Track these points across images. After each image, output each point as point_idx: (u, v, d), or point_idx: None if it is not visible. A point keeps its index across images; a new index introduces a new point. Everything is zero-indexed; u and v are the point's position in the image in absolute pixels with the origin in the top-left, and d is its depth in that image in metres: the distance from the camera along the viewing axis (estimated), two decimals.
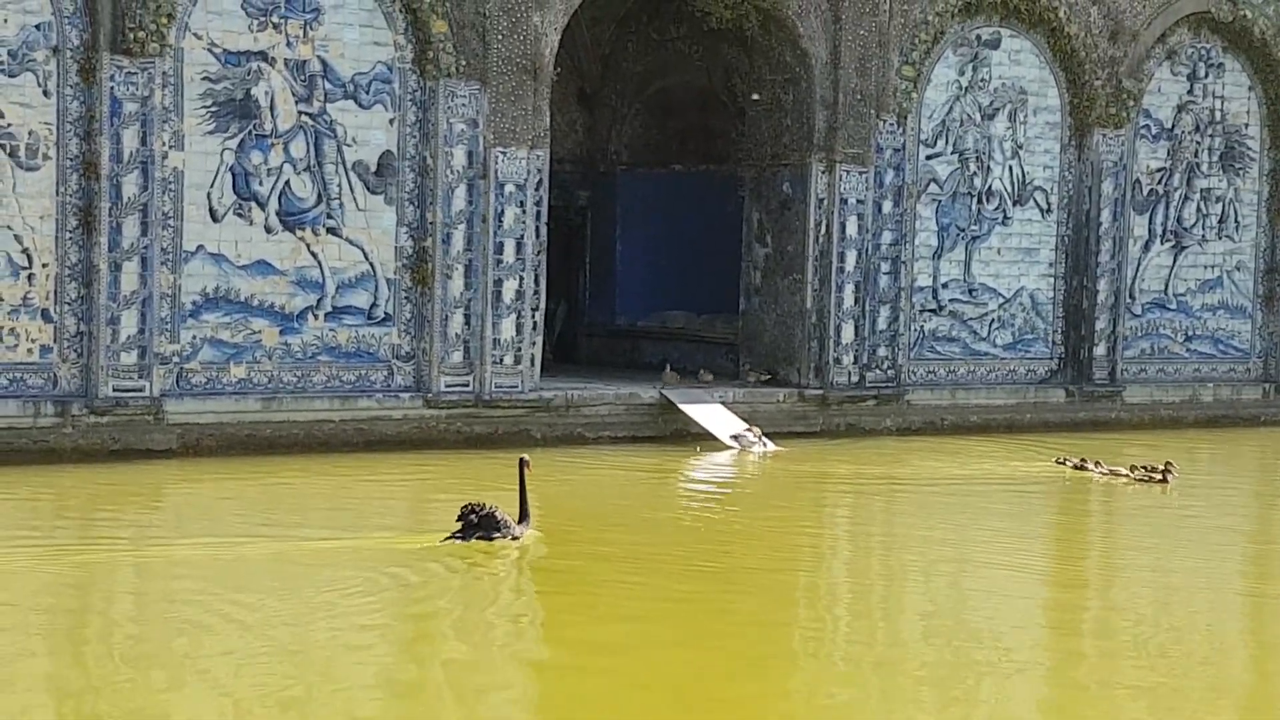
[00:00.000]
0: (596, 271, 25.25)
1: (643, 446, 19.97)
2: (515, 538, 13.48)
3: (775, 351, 22.06)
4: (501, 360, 19.59)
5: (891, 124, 21.76)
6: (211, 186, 18.21)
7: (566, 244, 24.51)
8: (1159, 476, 18.00)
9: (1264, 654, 11.63)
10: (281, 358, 18.69)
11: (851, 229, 21.62)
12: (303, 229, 18.81)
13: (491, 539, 13.37)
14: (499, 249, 19.57)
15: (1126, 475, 18.20)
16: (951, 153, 22.48)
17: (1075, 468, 18.76)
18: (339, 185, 18.94)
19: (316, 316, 18.91)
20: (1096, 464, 18.71)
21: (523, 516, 13.75)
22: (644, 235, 24.84)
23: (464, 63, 19.29)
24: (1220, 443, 22.28)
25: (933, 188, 22.40)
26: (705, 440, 20.05)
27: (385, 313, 19.22)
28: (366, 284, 19.14)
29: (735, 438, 19.99)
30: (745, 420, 20.44)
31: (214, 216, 18.23)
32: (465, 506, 13.53)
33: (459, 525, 13.43)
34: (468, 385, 19.51)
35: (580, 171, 24.97)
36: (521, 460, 14.03)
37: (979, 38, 22.45)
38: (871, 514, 17.16)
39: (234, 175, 18.32)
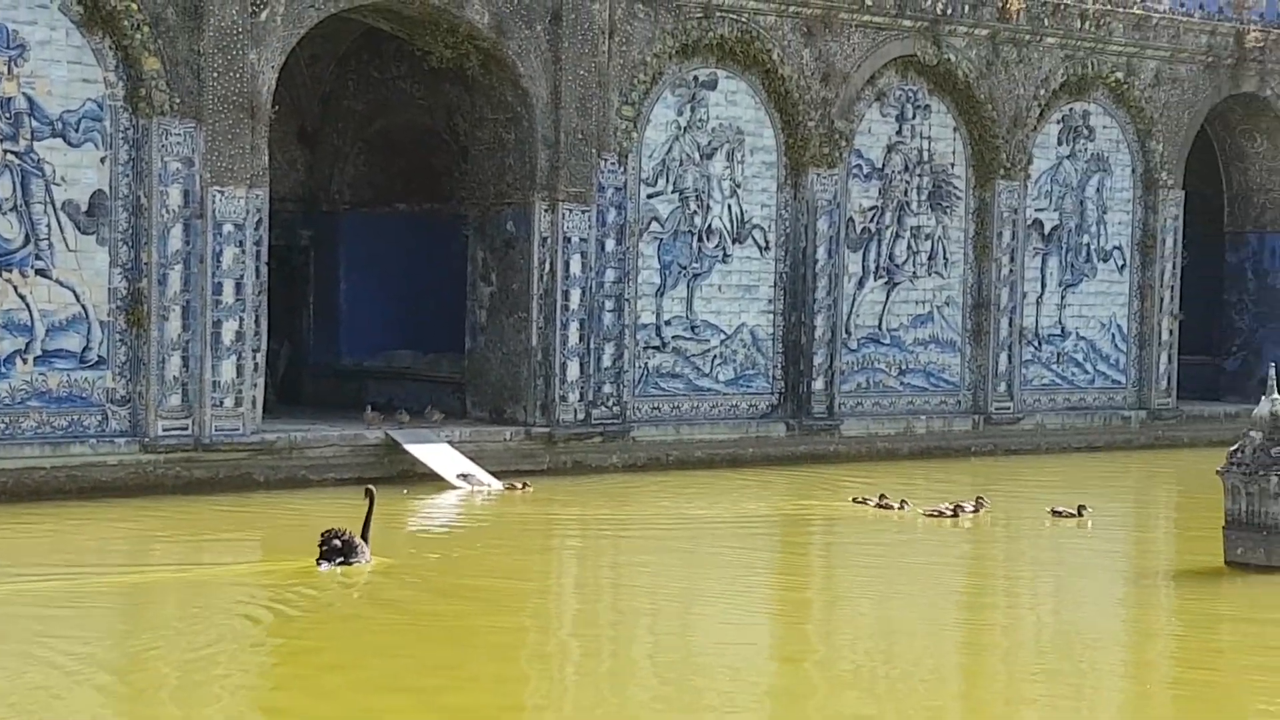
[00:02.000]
0: (321, 311, 24.98)
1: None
2: (367, 561, 14.45)
3: (501, 390, 22.08)
4: (222, 403, 19.21)
5: (613, 163, 22.02)
6: None
7: (289, 284, 24.20)
8: (971, 509, 18.44)
9: (975, 683, 12.03)
10: None
11: (575, 267, 21.79)
12: (9, 271, 18.21)
13: (351, 563, 14.32)
14: (218, 289, 19.22)
15: (943, 512, 18.49)
16: (672, 191, 22.83)
17: (878, 506, 18.93)
18: (48, 225, 18.39)
19: (25, 360, 18.31)
20: (902, 503, 18.87)
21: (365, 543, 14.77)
22: (369, 274, 24.67)
23: (178, 100, 18.94)
24: (935, 473, 22.94)
25: (654, 226, 22.71)
26: (434, 480, 19.94)
27: (99, 356, 18.71)
28: (78, 326, 18.60)
29: (463, 476, 19.93)
30: (472, 459, 20.41)
31: None
32: (327, 532, 14.48)
33: (321, 551, 14.33)
34: (186, 429, 19.08)
35: (302, 210, 24.70)
36: (369, 489, 15.26)
37: (696, 79, 22.87)
38: (617, 556, 17.25)
39: None
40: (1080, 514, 18.50)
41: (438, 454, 20.41)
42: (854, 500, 19.45)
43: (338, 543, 14.39)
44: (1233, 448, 15.52)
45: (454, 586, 14.30)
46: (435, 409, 21.84)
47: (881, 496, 19.23)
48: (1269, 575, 15.00)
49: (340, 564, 14.31)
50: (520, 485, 20.09)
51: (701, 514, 18.66)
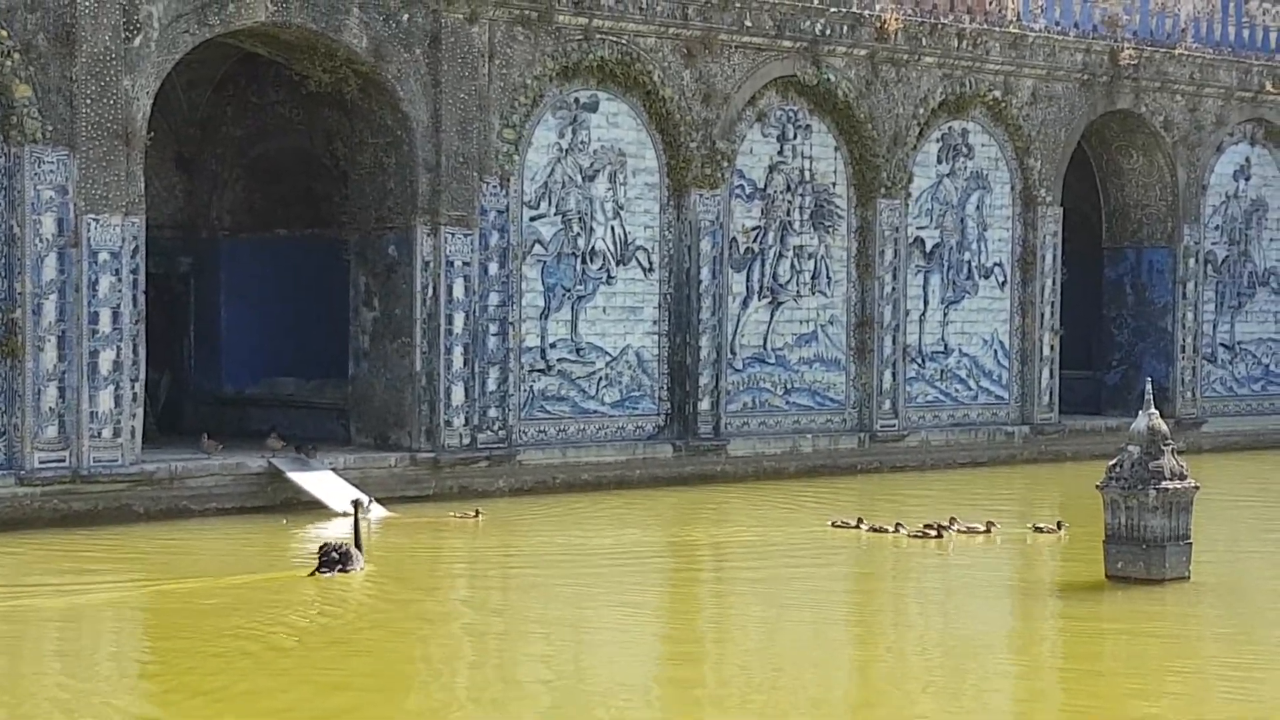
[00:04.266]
0: (202, 339, 24.67)
1: (252, 518, 19.50)
2: (361, 569, 15.60)
3: (386, 415, 21.90)
4: (100, 433, 18.89)
5: (495, 186, 21.94)
6: None
7: (169, 312, 23.89)
8: (934, 533, 18.46)
9: (865, 697, 12.06)
10: None
11: (459, 291, 21.67)
12: None
13: (348, 570, 15.48)
14: (94, 319, 18.91)
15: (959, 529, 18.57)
16: (555, 214, 22.79)
17: (873, 530, 18.84)
18: None
19: None
20: (897, 525, 18.78)
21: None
22: (250, 301, 24.40)
23: (51, 128, 18.63)
24: (822, 491, 23.04)
25: (538, 249, 22.64)
26: (318, 509, 19.72)
27: None
28: None
29: (354, 503, 19.63)
30: (357, 486, 20.20)
31: None
32: (325, 545, 15.73)
33: (319, 561, 15.48)
34: (64, 461, 18.75)
35: (181, 238, 24.39)
36: (355, 502, 16.74)
37: (577, 101, 22.86)
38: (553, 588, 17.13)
39: None
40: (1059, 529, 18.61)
41: (322, 482, 20.19)
42: (832, 524, 19.25)
43: (335, 554, 15.54)
44: (1112, 462, 15.70)
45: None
46: (276, 435, 21.35)
47: (860, 520, 19.13)
48: (1148, 588, 15.18)
49: (340, 571, 15.43)
50: (473, 514, 19.79)
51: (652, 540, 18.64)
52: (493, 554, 17.95)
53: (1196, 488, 15.65)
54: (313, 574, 15.43)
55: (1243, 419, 30.04)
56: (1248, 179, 30.21)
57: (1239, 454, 28.69)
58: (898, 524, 18.92)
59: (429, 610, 14.76)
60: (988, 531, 18.74)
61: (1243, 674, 12.39)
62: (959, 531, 18.68)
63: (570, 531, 19.04)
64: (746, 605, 15.23)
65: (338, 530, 18.73)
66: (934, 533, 18.46)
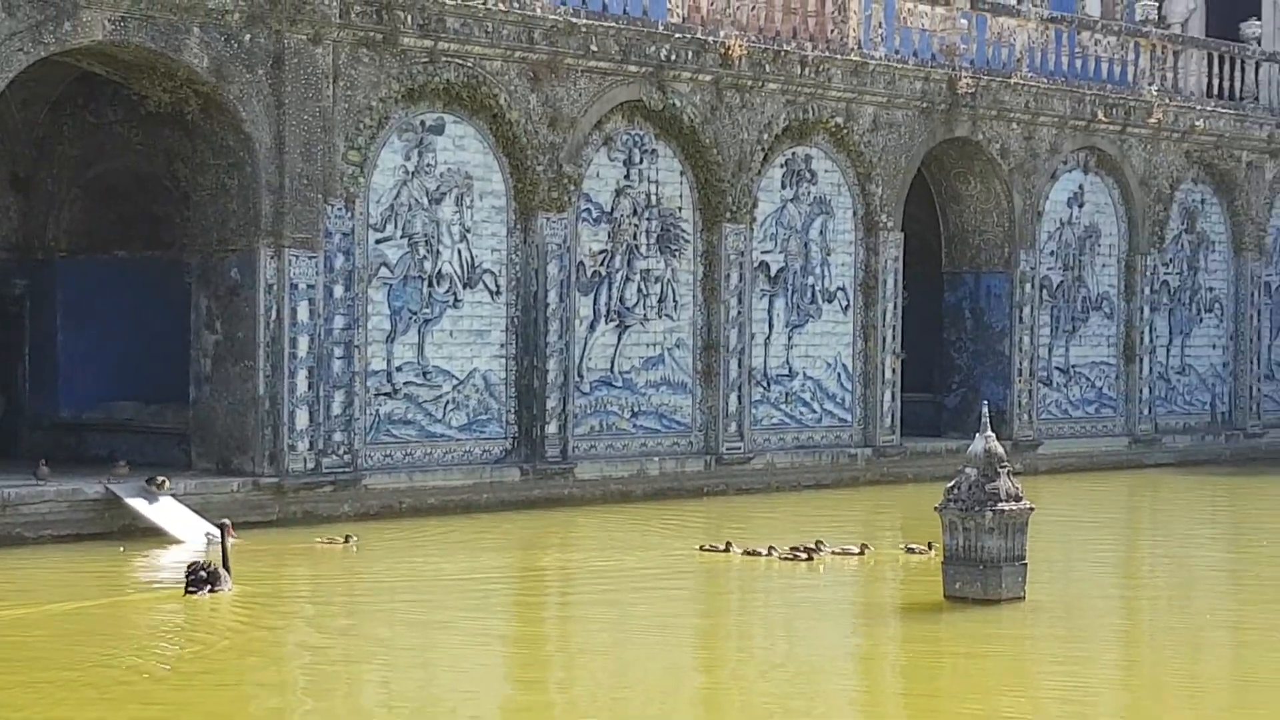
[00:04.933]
0: (37, 362, 24.15)
1: (89, 545, 19.13)
2: (229, 589, 15.85)
3: (228, 440, 21.60)
4: None
5: (340, 208, 21.78)
6: None
7: (3, 335, 23.38)
8: (805, 556, 18.54)
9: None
10: None
11: (303, 314, 21.46)
12: None
13: (217, 591, 15.71)
14: None
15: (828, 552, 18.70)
16: (401, 236, 22.67)
17: (747, 554, 18.81)
18: None
19: None
20: (770, 549, 18.80)
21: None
22: (88, 324, 23.94)
23: None
24: (669, 514, 23.13)
25: (384, 272, 22.51)
26: (160, 536, 19.40)
27: None
28: None
29: (221, 525, 19.24)
30: (198, 512, 19.90)
31: None
32: (193, 564, 16.06)
33: (190, 580, 15.73)
34: None
35: (16, 259, 23.90)
36: (223, 525, 16.76)
37: (424, 123, 22.78)
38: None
39: None
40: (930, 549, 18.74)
41: (162, 508, 19.85)
42: (701, 549, 19.24)
43: (204, 573, 15.78)
44: (950, 484, 15.97)
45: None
46: (122, 462, 20.99)
47: (729, 544, 19.13)
48: (986, 608, 15.45)
49: (210, 591, 15.68)
50: (344, 539, 19.56)
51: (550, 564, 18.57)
52: (336, 581, 17.78)
53: (1032, 509, 15.98)
54: (185, 594, 15.72)
55: (1077, 441, 30.70)
56: (1081, 206, 30.92)
57: (1073, 475, 29.32)
58: (770, 547, 19.03)
59: (251, 641, 14.59)
60: (862, 553, 18.94)
61: (1079, 693, 12.65)
62: (834, 553, 18.87)
63: (416, 557, 18.92)
64: (595, 631, 15.25)
65: (185, 555, 18.46)
66: (804, 555, 18.62)
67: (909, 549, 19.12)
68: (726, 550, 19.11)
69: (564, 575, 18.60)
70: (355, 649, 14.20)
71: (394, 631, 14.84)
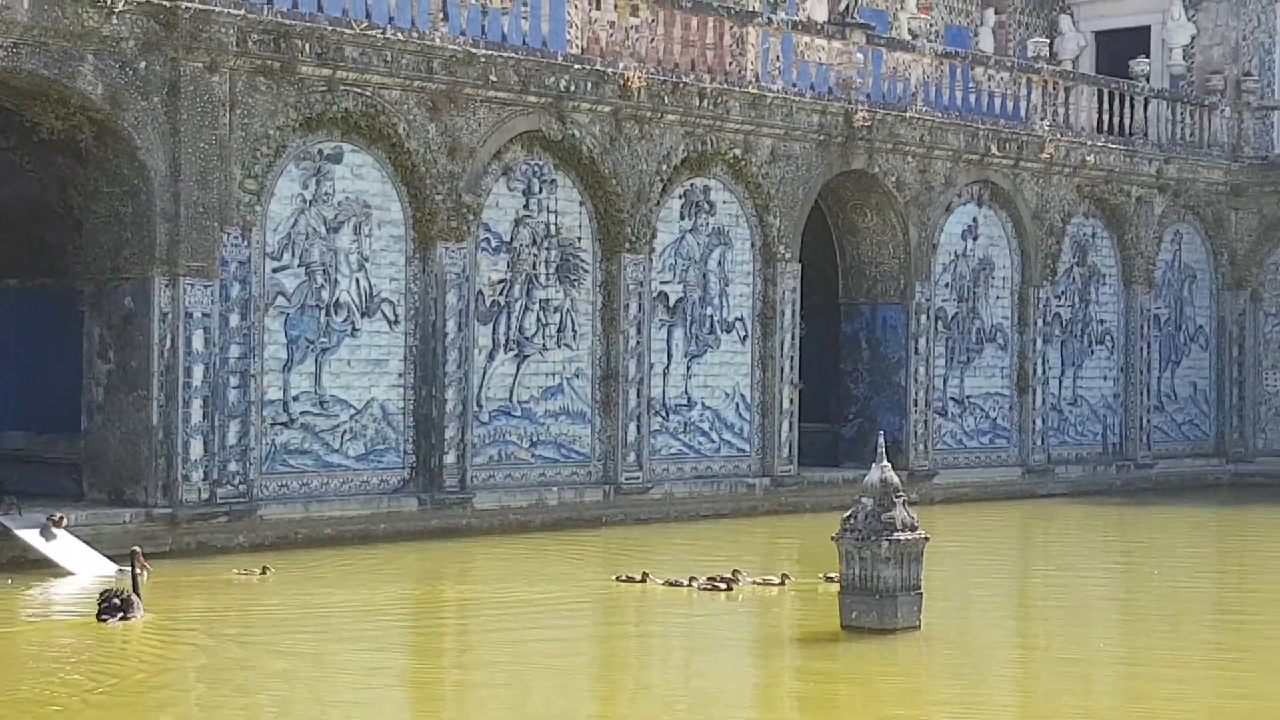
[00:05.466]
0: None
1: None
2: (140, 616, 16.06)
3: (121, 470, 21.34)
4: None
5: (236, 237, 21.62)
6: None
7: None
8: (724, 586, 18.53)
9: None
10: None
11: (198, 343, 21.27)
12: None
13: (129, 618, 15.90)
14: None
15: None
16: (298, 265, 22.54)
17: (668, 584, 18.74)
18: None
19: None
20: (690, 580, 18.76)
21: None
22: None
23: None
24: (567, 544, 23.09)
25: (280, 300, 22.36)
26: (48, 567, 19.10)
27: None
28: None
29: (132, 553, 18.84)
30: (89, 544, 19.62)
31: None
32: (107, 591, 16.18)
33: (102, 607, 15.86)
34: None
35: None
36: (134, 552, 16.87)
37: (321, 152, 22.68)
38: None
39: None
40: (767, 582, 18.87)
41: (57, 544, 19.53)
42: (617, 579, 19.19)
43: (116, 600, 15.96)
44: (846, 514, 16.08)
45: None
46: (11, 495, 20.66)
47: (645, 575, 19.09)
48: (882, 637, 15.56)
49: (122, 619, 15.84)
50: (260, 570, 19.34)
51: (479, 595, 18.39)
52: (231, 613, 17.59)
53: (927, 539, 16.12)
54: (99, 619, 15.89)
55: (971, 470, 31.02)
56: (975, 238, 31.31)
57: (968, 505, 29.60)
58: (691, 578, 19.02)
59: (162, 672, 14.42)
60: (783, 583, 18.99)
61: None
62: (754, 583, 18.91)
63: (310, 590, 18.76)
64: (494, 664, 15.18)
65: (65, 591, 18.21)
66: (724, 586, 18.64)
67: (828, 578, 19.17)
68: (643, 581, 19.11)
69: (462, 606, 18.51)
70: (250, 682, 14.05)
71: (290, 663, 14.70)
